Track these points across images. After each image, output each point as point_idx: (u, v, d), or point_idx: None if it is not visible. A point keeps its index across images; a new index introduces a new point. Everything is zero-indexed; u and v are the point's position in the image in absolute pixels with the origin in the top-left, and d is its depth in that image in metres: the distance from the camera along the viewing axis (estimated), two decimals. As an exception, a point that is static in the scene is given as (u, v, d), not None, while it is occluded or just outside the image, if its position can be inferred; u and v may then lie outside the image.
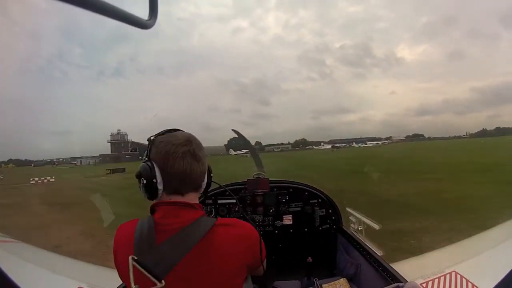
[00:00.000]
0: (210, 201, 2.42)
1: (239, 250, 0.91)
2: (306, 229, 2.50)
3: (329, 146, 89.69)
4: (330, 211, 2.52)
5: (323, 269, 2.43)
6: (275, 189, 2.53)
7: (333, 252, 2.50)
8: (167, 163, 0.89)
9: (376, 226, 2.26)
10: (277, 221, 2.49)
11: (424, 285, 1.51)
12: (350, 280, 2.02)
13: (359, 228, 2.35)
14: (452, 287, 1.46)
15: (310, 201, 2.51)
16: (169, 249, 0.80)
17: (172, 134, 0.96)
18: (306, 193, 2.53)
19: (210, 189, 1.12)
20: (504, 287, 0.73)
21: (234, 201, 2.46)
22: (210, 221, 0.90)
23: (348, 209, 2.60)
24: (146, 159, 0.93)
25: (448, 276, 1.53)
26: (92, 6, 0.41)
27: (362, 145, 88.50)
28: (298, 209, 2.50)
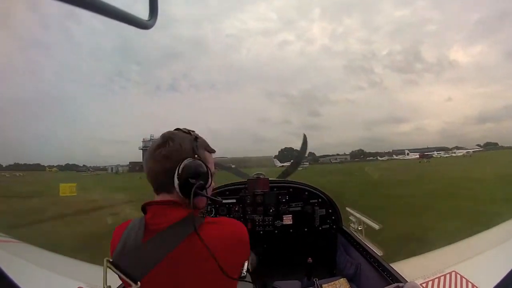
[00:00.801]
0: (210, 201, 2.41)
1: (228, 248, 0.89)
2: (306, 229, 2.51)
3: (416, 155, 69.21)
4: (330, 211, 2.52)
5: (323, 269, 2.43)
6: (275, 189, 2.53)
7: (333, 252, 2.50)
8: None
9: (376, 226, 2.26)
10: (277, 221, 2.50)
11: (424, 285, 1.51)
12: (350, 280, 2.02)
13: (359, 228, 2.35)
14: (452, 287, 1.46)
15: (310, 201, 2.51)
16: (150, 249, 0.79)
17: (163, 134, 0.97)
18: (306, 193, 2.53)
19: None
20: (504, 287, 0.74)
21: (234, 200, 2.47)
22: (198, 220, 0.88)
23: (348, 209, 2.60)
24: None
25: (448, 276, 1.53)
26: (93, 6, 0.41)
27: (445, 155, 70.28)
28: (298, 209, 2.51)
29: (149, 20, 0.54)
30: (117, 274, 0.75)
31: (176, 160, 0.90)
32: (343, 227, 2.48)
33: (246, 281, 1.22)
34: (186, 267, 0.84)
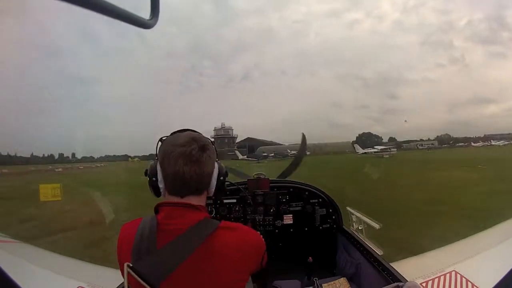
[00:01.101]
0: (210, 201, 2.42)
1: (243, 256, 0.89)
2: (306, 229, 2.51)
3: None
4: (330, 210, 2.53)
5: (323, 268, 2.43)
6: (275, 189, 2.53)
7: (333, 251, 2.50)
8: (163, 163, 0.91)
9: (376, 226, 2.26)
10: (278, 221, 2.50)
11: (424, 284, 1.51)
12: (350, 279, 2.02)
13: (360, 228, 2.35)
14: (452, 287, 1.47)
15: (311, 201, 2.52)
16: (168, 254, 0.79)
17: (178, 134, 0.96)
18: (307, 192, 2.54)
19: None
20: (504, 287, 0.74)
21: (234, 200, 2.47)
22: (213, 224, 0.88)
23: (348, 208, 2.60)
24: (156, 158, 0.96)
25: (448, 275, 1.53)
26: (93, 5, 0.41)
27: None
28: (299, 208, 2.51)
29: (150, 19, 0.54)
30: (136, 279, 0.75)
31: (214, 163, 0.96)
32: (344, 226, 2.49)
33: None
34: (201, 272, 0.83)
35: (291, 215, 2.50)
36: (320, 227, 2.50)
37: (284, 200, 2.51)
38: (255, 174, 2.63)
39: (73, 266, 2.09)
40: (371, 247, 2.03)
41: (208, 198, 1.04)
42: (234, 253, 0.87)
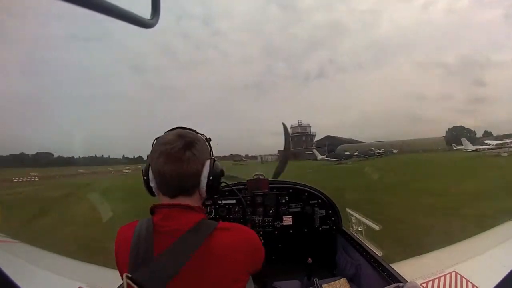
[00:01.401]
0: (210, 202, 2.41)
1: (241, 256, 0.88)
2: (306, 230, 2.50)
3: None
4: (330, 211, 2.52)
5: (323, 269, 2.43)
6: (275, 190, 2.53)
7: (333, 252, 2.50)
8: (152, 162, 0.90)
9: (376, 227, 2.26)
10: (277, 222, 2.49)
11: (424, 285, 1.51)
12: (350, 280, 2.02)
13: (359, 229, 2.35)
14: (452, 287, 1.46)
15: (310, 202, 2.51)
16: (167, 260, 0.78)
17: (168, 132, 0.94)
18: (306, 193, 2.53)
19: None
20: (504, 287, 0.74)
21: (234, 201, 2.46)
22: (211, 225, 0.87)
23: (348, 209, 2.60)
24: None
25: (448, 276, 1.53)
26: (94, 5, 0.41)
27: None
28: (298, 209, 2.50)
29: (151, 19, 0.54)
30: None
31: (203, 161, 0.91)
32: (343, 228, 2.48)
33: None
34: (201, 275, 0.82)
35: (291, 216, 2.49)
36: (320, 228, 2.50)
37: (283, 201, 2.51)
38: (254, 175, 2.63)
39: (73, 267, 2.09)
40: (371, 248, 2.03)
41: (207, 198, 1.02)
42: (232, 254, 0.85)
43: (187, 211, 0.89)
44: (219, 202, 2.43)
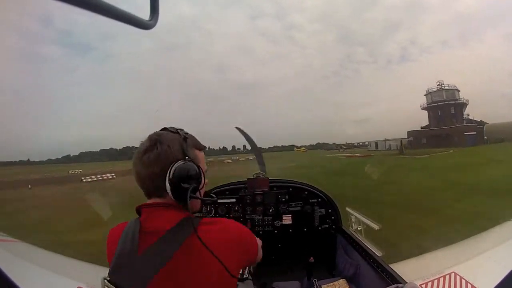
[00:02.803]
0: (210, 201, 2.41)
1: (227, 250, 0.87)
2: (305, 229, 2.50)
3: None
4: (329, 210, 2.52)
5: (322, 269, 2.43)
6: (274, 189, 2.53)
7: (332, 252, 2.50)
8: None
9: (375, 226, 2.26)
10: (277, 221, 2.50)
11: (423, 286, 1.51)
12: (349, 280, 2.02)
13: (359, 228, 2.35)
14: None
15: (310, 201, 2.51)
16: (146, 261, 0.77)
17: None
18: (306, 192, 2.53)
19: (211, 189, 1.04)
20: None
21: (234, 200, 2.47)
22: (194, 222, 0.85)
23: (347, 209, 2.60)
24: None
25: (447, 277, 1.53)
26: (93, 6, 0.41)
27: None
28: (298, 208, 2.51)
29: (150, 20, 0.54)
30: None
31: (166, 163, 0.87)
32: (343, 227, 2.48)
33: (245, 278, 1.22)
34: (186, 272, 0.82)
35: (290, 215, 2.49)
36: (319, 228, 2.50)
37: (283, 200, 2.51)
38: (254, 174, 2.63)
39: (73, 266, 2.09)
40: (370, 248, 2.03)
41: (207, 199, 1.02)
42: (217, 248, 0.84)
43: (168, 210, 0.88)
44: (219, 200, 2.43)
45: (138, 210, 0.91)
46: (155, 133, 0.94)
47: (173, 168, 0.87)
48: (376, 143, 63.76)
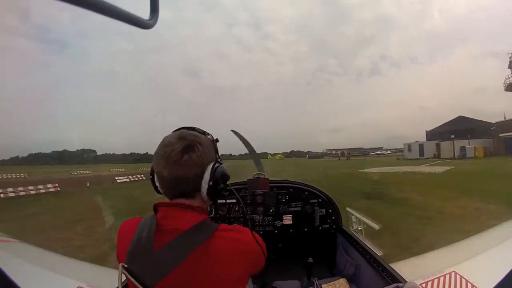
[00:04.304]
0: (222, 200, 2.42)
1: (239, 260, 0.87)
2: (306, 229, 2.51)
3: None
4: (330, 210, 2.52)
5: (323, 269, 2.43)
6: (275, 189, 2.53)
7: (332, 252, 2.50)
8: (153, 164, 0.90)
9: (376, 226, 2.26)
10: (277, 221, 2.50)
11: (423, 285, 1.51)
12: (350, 280, 2.02)
13: (359, 228, 2.35)
14: (452, 287, 1.46)
15: (310, 201, 2.52)
16: (164, 256, 0.78)
17: (171, 133, 0.93)
18: (306, 192, 2.54)
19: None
20: (504, 287, 0.74)
21: (234, 200, 2.47)
22: (211, 227, 0.86)
23: (348, 209, 2.60)
24: None
25: (448, 276, 1.53)
26: (93, 6, 0.41)
27: None
28: (298, 208, 2.51)
29: (150, 19, 0.54)
30: (129, 279, 0.74)
31: (204, 165, 0.88)
32: (343, 227, 2.49)
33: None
34: (198, 275, 0.82)
35: (291, 215, 2.50)
36: (320, 228, 2.50)
37: (283, 200, 2.51)
38: (255, 174, 2.63)
39: (73, 266, 2.09)
40: (370, 247, 2.03)
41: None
42: (230, 257, 0.85)
43: (188, 211, 0.88)
44: (219, 200, 2.44)
45: (155, 208, 0.90)
46: (187, 133, 0.91)
47: (213, 170, 0.89)
48: (422, 146, 42.63)
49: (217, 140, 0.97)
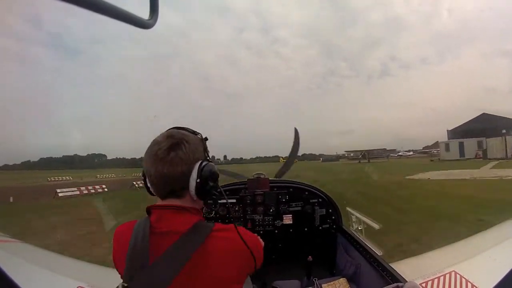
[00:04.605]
0: (211, 200, 2.41)
1: (237, 260, 0.87)
2: (306, 229, 2.51)
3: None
4: (330, 210, 2.52)
5: (323, 268, 2.43)
6: (275, 189, 2.53)
7: (333, 251, 2.50)
8: (143, 163, 0.90)
9: (376, 226, 2.26)
10: (277, 221, 2.50)
11: (423, 285, 1.51)
12: (350, 279, 2.02)
13: (359, 228, 2.35)
14: (451, 287, 1.47)
15: (310, 201, 2.52)
16: (162, 266, 0.77)
17: (162, 133, 0.93)
18: (306, 192, 2.54)
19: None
20: (504, 287, 0.74)
21: (234, 200, 2.47)
22: (207, 228, 0.86)
23: (348, 208, 2.60)
24: None
25: (447, 276, 1.53)
26: (92, 5, 0.41)
27: None
28: (298, 208, 2.51)
29: (149, 19, 0.54)
30: None
31: (193, 162, 0.88)
32: (343, 227, 2.49)
33: None
34: (198, 279, 0.82)
35: (291, 215, 2.50)
36: (320, 227, 2.50)
37: (284, 200, 2.51)
38: (255, 174, 2.63)
39: (73, 266, 2.09)
40: (370, 247, 2.03)
41: (208, 199, 1.01)
42: (227, 257, 0.85)
43: (181, 212, 0.88)
44: (219, 200, 2.43)
45: (149, 210, 0.90)
46: (175, 131, 0.91)
47: (201, 167, 0.88)
48: (462, 144, 36.86)
49: (206, 139, 0.97)
